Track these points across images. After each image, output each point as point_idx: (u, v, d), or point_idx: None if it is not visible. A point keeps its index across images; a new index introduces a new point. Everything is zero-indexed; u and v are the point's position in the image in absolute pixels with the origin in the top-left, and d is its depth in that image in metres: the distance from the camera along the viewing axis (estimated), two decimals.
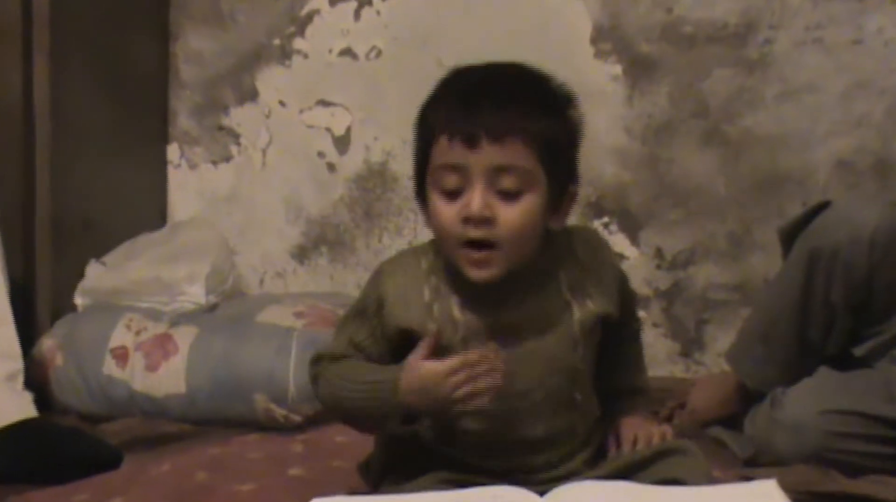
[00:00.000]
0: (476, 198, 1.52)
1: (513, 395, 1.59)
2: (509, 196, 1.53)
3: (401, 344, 1.62)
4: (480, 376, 1.52)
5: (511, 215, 1.53)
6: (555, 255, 1.66)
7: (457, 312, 1.61)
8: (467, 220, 1.53)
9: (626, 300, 1.76)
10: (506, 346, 1.59)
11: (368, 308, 1.64)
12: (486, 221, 1.53)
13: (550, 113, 1.58)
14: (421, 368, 1.54)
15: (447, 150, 1.54)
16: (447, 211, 1.55)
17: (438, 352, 1.57)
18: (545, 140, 1.55)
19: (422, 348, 1.56)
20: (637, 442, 1.69)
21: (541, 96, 1.59)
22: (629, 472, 1.59)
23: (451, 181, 1.54)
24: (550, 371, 1.62)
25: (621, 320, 1.74)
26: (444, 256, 1.62)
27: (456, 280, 1.61)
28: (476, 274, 1.56)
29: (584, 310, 1.65)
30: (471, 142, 1.52)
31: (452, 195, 1.55)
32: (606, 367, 1.78)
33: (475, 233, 1.54)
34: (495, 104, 1.54)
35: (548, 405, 1.64)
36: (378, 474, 1.70)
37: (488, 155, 1.52)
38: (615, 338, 1.77)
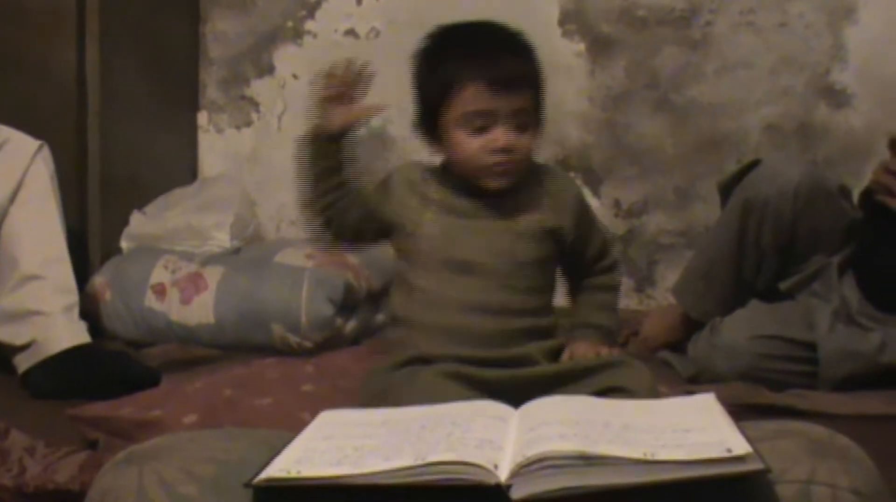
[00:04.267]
0: (504, 135, 1.67)
1: (460, 261, 1.71)
2: (522, 130, 1.69)
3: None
4: (353, 82, 1.81)
5: (524, 144, 1.70)
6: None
7: (434, 193, 1.74)
8: (496, 151, 1.67)
9: (585, 218, 1.81)
10: (462, 220, 1.72)
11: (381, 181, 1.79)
12: (509, 150, 1.68)
13: (538, 73, 1.74)
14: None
15: (477, 98, 1.67)
16: (475, 143, 1.68)
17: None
18: (537, 91, 1.73)
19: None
20: (586, 353, 1.71)
21: (533, 59, 1.75)
22: (578, 376, 1.62)
23: (480, 122, 1.68)
24: (491, 250, 1.71)
25: (585, 240, 1.81)
26: (450, 171, 1.75)
27: (434, 179, 1.76)
28: (496, 182, 1.70)
29: (531, 217, 1.74)
30: (497, 92, 1.66)
31: (478, 132, 1.68)
32: (579, 305, 1.84)
33: (501, 157, 1.68)
34: (512, 61, 1.70)
35: (495, 279, 1.71)
36: (378, 387, 1.70)
37: (511, 101, 1.67)
38: (589, 271, 1.84)
